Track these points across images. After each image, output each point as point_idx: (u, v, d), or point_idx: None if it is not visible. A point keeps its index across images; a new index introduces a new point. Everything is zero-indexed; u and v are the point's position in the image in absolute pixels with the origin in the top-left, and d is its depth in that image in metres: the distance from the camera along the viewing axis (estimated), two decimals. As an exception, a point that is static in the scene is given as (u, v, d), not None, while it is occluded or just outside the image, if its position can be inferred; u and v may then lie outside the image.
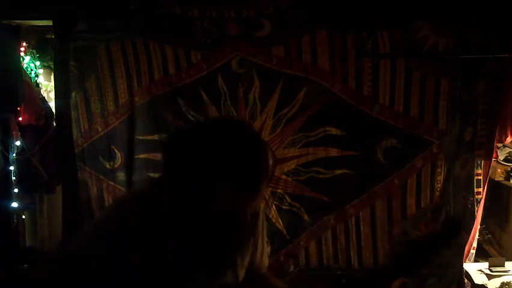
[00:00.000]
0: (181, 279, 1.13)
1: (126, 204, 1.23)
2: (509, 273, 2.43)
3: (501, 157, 2.84)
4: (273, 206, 2.69)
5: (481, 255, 2.74)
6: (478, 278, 2.41)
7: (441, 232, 2.63)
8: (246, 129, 1.25)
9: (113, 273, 1.07)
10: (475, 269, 2.51)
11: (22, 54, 3.10)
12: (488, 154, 2.57)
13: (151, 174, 2.71)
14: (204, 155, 1.12)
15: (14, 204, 2.98)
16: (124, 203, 1.29)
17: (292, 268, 2.73)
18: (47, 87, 3.52)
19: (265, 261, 1.49)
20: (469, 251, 2.61)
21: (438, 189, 2.62)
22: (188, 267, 1.13)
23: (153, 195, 1.20)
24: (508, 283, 2.33)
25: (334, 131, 2.61)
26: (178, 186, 1.14)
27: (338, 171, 2.63)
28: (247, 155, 1.15)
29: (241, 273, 1.31)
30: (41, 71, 3.39)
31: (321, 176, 2.65)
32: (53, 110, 3.10)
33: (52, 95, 3.15)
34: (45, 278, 1.19)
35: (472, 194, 2.59)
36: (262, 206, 1.44)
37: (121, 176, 2.78)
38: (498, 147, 2.75)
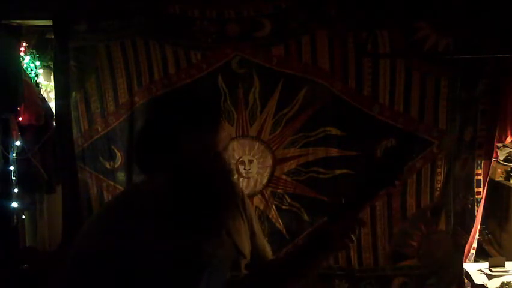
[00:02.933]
0: (179, 249, 1.18)
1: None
2: (509, 273, 2.43)
3: (501, 157, 2.84)
4: (273, 206, 2.68)
5: (481, 255, 2.74)
6: (478, 278, 2.42)
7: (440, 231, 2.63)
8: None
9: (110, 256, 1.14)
10: (475, 269, 2.51)
11: (22, 54, 3.11)
12: (488, 154, 2.57)
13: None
14: (160, 121, 1.20)
15: (14, 204, 2.98)
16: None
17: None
18: (47, 87, 3.52)
19: (268, 251, 1.50)
20: (469, 251, 2.61)
21: (438, 189, 2.62)
22: (183, 229, 1.19)
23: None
24: (508, 283, 2.34)
25: (334, 131, 2.61)
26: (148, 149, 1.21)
27: (338, 171, 2.63)
28: (200, 105, 1.23)
29: (242, 245, 1.32)
30: (41, 71, 3.39)
31: (321, 176, 2.65)
32: (53, 110, 3.10)
33: (52, 95, 3.16)
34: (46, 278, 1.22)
35: (472, 194, 2.60)
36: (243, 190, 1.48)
37: (121, 176, 2.78)
38: (498, 147, 2.75)
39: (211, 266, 1.22)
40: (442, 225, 2.63)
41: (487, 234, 2.90)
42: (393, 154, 1.32)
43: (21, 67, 3.04)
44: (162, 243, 1.17)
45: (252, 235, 1.42)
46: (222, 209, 1.28)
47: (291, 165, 2.66)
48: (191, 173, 1.19)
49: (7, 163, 2.97)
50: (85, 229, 1.25)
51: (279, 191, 2.68)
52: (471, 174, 2.59)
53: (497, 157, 2.78)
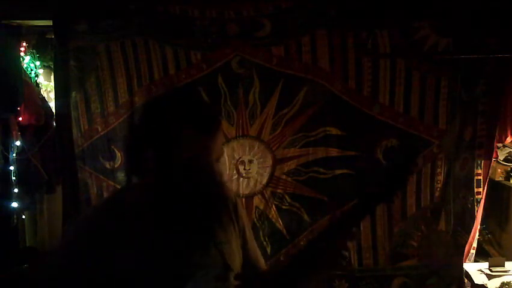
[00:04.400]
0: (163, 251, 1.17)
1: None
2: (509, 273, 2.43)
3: (501, 157, 2.85)
4: (273, 206, 2.68)
5: (481, 255, 2.75)
6: (478, 278, 2.42)
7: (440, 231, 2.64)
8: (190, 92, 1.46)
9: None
10: (475, 269, 2.51)
11: (22, 54, 3.10)
12: (488, 154, 2.57)
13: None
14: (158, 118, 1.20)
15: (14, 204, 2.98)
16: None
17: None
18: (47, 87, 3.52)
19: (261, 261, 1.47)
20: (468, 251, 2.61)
21: (438, 189, 2.62)
22: (168, 235, 1.18)
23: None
24: (508, 283, 2.34)
25: (334, 131, 2.61)
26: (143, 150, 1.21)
27: (338, 171, 2.63)
28: (197, 106, 1.25)
29: (232, 257, 1.29)
30: (41, 71, 3.39)
31: (321, 176, 2.65)
32: (53, 110, 3.10)
33: (52, 95, 3.15)
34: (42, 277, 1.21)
35: (472, 194, 2.60)
36: (235, 198, 1.45)
37: (121, 176, 2.78)
38: (498, 147, 2.76)
39: (195, 277, 1.19)
40: (442, 225, 2.63)
41: (487, 234, 2.90)
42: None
43: (21, 67, 3.04)
44: (145, 248, 1.16)
45: (244, 244, 1.38)
46: (212, 219, 1.26)
47: (291, 165, 2.66)
48: (182, 177, 1.18)
49: (7, 163, 2.97)
50: (77, 219, 1.29)
51: (279, 191, 2.68)
52: (471, 174, 2.60)
53: (497, 157, 2.79)
